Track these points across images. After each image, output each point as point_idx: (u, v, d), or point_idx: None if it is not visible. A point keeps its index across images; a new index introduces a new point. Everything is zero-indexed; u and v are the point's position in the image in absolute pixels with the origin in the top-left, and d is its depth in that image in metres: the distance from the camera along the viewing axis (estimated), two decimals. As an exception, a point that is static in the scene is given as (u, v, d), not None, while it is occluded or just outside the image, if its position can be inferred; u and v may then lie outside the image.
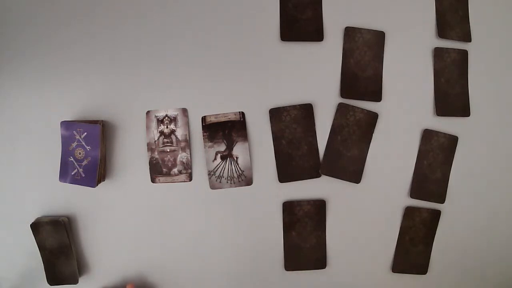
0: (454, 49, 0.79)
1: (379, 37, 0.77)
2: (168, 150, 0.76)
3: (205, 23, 0.76)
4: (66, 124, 0.71)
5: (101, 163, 0.72)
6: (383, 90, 0.78)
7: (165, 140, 0.76)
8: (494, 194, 0.82)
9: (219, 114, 0.76)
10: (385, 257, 0.81)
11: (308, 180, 0.78)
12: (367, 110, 0.77)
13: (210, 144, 0.76)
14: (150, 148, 0.76)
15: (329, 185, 0.78)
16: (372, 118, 0.77)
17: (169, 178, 0.76)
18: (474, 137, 0.81)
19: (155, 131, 0.76)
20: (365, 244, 0.80)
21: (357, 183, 0.78)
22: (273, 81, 0.77)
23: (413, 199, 0.80)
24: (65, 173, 0.72)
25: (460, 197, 0.81)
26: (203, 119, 0.76)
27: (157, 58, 0.75)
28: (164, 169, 0.76)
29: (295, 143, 0.77)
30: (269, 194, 0.78)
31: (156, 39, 0.75)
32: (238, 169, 0.77)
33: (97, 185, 0.72)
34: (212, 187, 0.77)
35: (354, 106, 0.77)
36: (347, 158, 0.77)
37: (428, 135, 0.79)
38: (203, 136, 0.76)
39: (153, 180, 0.77)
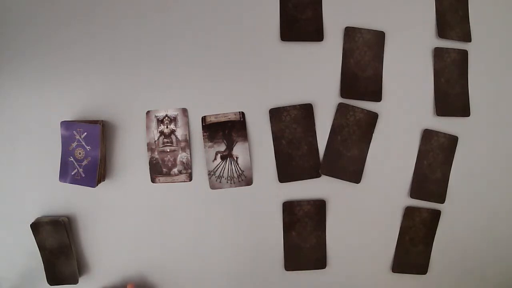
0: (454, 49, 0.79)
1: (379, 37, 0.77)
2: (168, 150, 0.76)
3: (205, 23, 0.76)
4: (66, 124, 0.71)
5: (101, 163, 0.72)
6: (383, 90, 0.78)
7: (165, 140, 0.76)
8: (494, 194, 0.82)
9: (219, 114, 0.76)
10: (385, 257, 0.81)
11: (308, 180, 0.78)
12: (367, 110, 0.77)
13: (210, 144, 0.76)
14: (150, 148, 0.76)
15: (329, 185, 0.78)
16: (372, 118, 0.77)
17: (169, 178, 0.76)
18: (474, 137, 0.81)
19: (155, 131, 0.76)
20: (365, 244, 0.80)
21: (357, 183, 0.78)
22: (273, 81, 0.77)
23: (413, 199, 0.80)
24: (65, 173, 0.72)
25: (460, 197, 0.81)
26: (203, 119, 0.76)
27: (157, 58, 0.75)
28: (164, 169, 0.76)
29: (295, 143, 0.77)
30: (269, 194, 0.78)
31: (156, 39, 0.75)
32: (238, 169, 0.77)
33: (97, 185, 0.72)
34: (212, 187, 0.77)
35: (354, 106, 0.77)
36: (347, 158, 0.77)
37: (428, 135, 0.79)
38: (203, 136, 0.76)
39: (153, 180, 0.77)
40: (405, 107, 0.79)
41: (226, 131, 0.76)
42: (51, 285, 0.76)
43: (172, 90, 0.76)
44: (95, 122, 0.73)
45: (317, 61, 0.77)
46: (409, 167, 0.79)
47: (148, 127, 0.76)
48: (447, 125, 0.79)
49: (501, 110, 0.81)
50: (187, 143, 0.76)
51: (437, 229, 0.81)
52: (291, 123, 0.77)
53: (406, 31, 0.78)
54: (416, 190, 0.79)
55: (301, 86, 0.77)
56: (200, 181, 0.77)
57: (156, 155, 0.76)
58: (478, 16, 0.80)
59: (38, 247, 0.75)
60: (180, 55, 0.76)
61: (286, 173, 0.77)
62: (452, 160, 0.80)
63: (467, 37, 0.80)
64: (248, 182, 0.77)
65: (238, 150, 0.76)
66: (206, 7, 0.76)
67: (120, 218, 0.77)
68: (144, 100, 0.76)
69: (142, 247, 0.78)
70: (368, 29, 0.77)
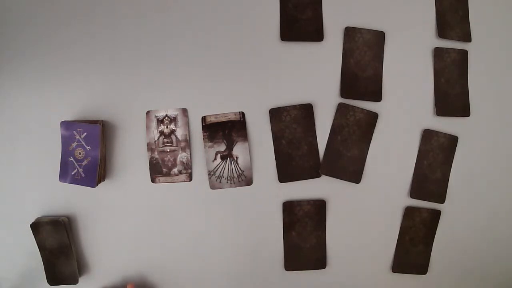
0: (454, 49, 0.79)
1: (379, 37, 0.77)
2: (168, 150, 0.76)
3: (205, 23, 0.76)
4: (66, 124, 0.71)
5: (101, 163, 0.72)
6: (383, 90, 0.78)
7: (165, 140, 0.76)
8: (494, 194, 0.82)
9: (219, 114, 0.76)
10: (385, 257, 0.81)
11: (308, 180, 0.78)
12: (367, 110, 0.77)
13: (210, 144, 0.76)
14: (150, 148, 0.76)
15: (329, 185, 0.78)
16: (372, 118, 0.77)
17: (169, 178, 0.76)
18: (474, 137, 0.81)
19: (155, 131, 0.76)
20: (365, 244, 0.80)
21: (357, 183, 0.78)
22: (273, 81, 0.77)
23: (413, 199, 0.80)
24: (65, 173, 0.72)
25: (460, 197, 0.81)
26: (203, 119, 0.76)
27: (157, 58, 0.75)
28: (164, 169, 0.76)
29: (295, 143, 0.77)
30: (269, 194, 0.78)
31: (156, 39, 0.75)
32: (238, 169, 0.77)
33: (97, 185, 0.72)
34: (212, 187, 0.77)
35: (354, 106, 0.77)
36: (347, 158, 0.77)
37: (428, 135, 0.79)
38: (203, 136, 0.76)
39: (153, 180, 0.77)
40: (405, 107, 0.79)
41: (226, 131, 0.76)
42: (51, 285, 0.76)
43: (172, 90, 0.76)
44: (95, 122, 0.73)
45: (317, 61, 0.77)
46: (409, 167, 0.79)
47: (148, 127, 0.76)
48: (447, 125, 0.79)
49: (501, 110, 0.81)
50: (187, 143, 0.76)
51: (437, 229, 0.81)
52: (291, 123, 0.77)
53: (406, 31, 0.78)
54: (416, 190, 0.79)
55: (301, 86, 0.77)
56: (200, 181, 0.77)
57: (156, 155, 0.76)
58: (478, 16, 0.80)
59: (38, 247, 0.75)
60: (180, 55, 0.76)
61: (286, 173, 0.77)
62: (452, 160, 0.80)
63: (467, 37, 0.80)
64: (248, 182, 0.77)
65: (238, 150, 0.76)
66: (206, 7, 0.76)
67: (120, 218, 0.77)
68: (144, 100, 0.76)
69: (142, 247, 0.78)
70: (368, 29, 0.77)
